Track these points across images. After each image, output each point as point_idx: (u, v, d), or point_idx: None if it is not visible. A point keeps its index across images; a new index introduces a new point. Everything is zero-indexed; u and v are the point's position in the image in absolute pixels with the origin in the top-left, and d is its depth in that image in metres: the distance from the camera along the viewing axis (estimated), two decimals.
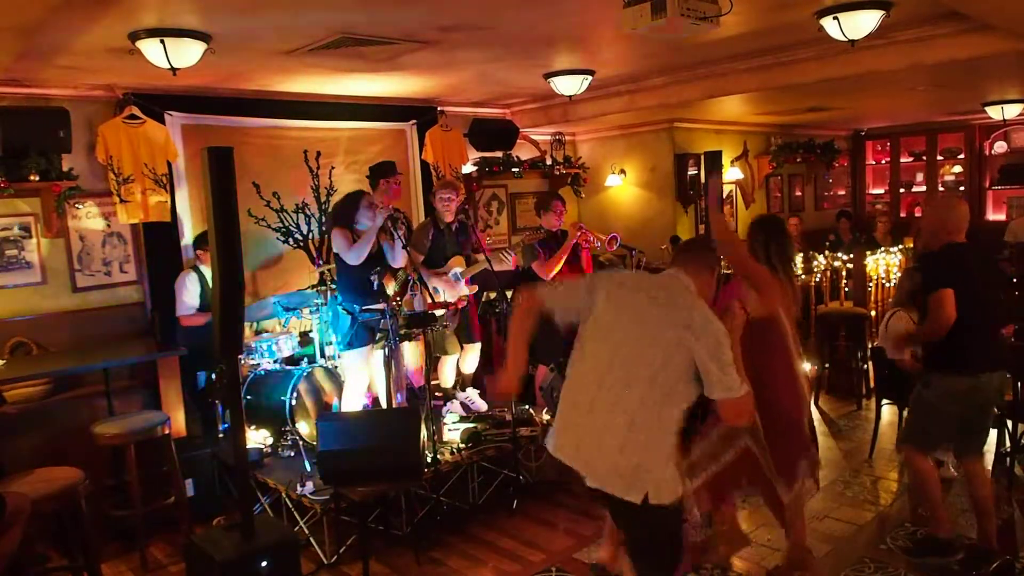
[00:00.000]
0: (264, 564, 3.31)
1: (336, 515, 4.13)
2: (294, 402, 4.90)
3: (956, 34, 4.91)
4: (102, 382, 4.77)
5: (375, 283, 4.81)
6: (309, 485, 4.24)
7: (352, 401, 4.87)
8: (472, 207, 7.54)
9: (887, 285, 7.36)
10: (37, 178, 4.89)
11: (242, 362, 4.99)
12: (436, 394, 5.38)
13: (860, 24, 4.42)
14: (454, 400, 5.47)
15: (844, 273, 7.56)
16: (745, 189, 9.74)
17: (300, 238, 6.38)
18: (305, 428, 4.90)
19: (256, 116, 6.13)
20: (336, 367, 5.20)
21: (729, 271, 4.07)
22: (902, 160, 11.41)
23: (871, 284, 7.32)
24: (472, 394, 5.59)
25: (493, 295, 5.99)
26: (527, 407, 5.36)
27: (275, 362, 5.20)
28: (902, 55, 5.22)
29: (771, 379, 3.30)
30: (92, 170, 5.33)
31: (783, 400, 3.36)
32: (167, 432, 4.37)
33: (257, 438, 4.91)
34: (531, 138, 8.34)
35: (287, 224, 6.30)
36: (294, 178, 6.37)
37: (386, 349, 4.65)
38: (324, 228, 6.36)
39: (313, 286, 5.51)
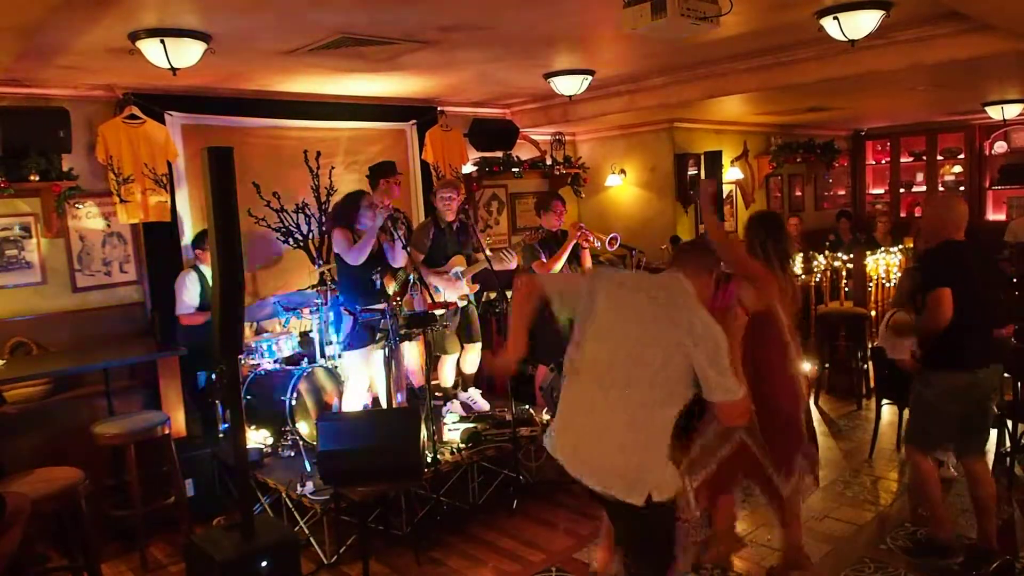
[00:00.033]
0: (264, 564, 3.31)
1: (336, 515, 4.13)
2: (294, 402, 4.90)
3: (956, 34, 4.91)
4: (102, 382, 4.77)
5: (377, 283, 4.80)
6: (309, 485, 4.24)
7: (353, 401, 4.88)
8: (472, 207, 7.54)
9: (887, 285, 7.36)
10: (37, 178, 4.89)
11: (242, 362, 4.99)
12: (436, 394, 5.38)
13: (860, 24, 4.42)
14: (454, 400, 5.47)
15: (844, 273, 7.56)
16: (745, 189, 9.75)
17: (300, 238, 6.38)
18: (305, 428, 4.89)
19: (256, 116, 6.13)
20: (336, 367, 5.20)
21: (729, 272, 4.06)
22: (902, 160, 11.41)
23: (871, 284, 7.32)
24: (474, 394, 5.59)
25: (493, 295, 5.99)
26: (527, 407, 5.36)
27: (275, 362, 5.21)
28: (902, 55, 5.22)
29: (768, 373, 3.30)
30: (92, 170, 5.33)
31: (780, 395, 3.37)
32: (167, 432, 4.37)
33: (257, 438, 4.92)
34: (531, 138, 8.34)
35: (287, 224, 6.30)
36: (294, 178, 6.38)
37: (386, 349, 4.65)
38: (324, 228, 6.36)
39: (313, 286, 5.51)
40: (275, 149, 6.31)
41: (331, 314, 5.28)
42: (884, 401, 5.32)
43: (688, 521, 3.48)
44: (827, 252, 7.92)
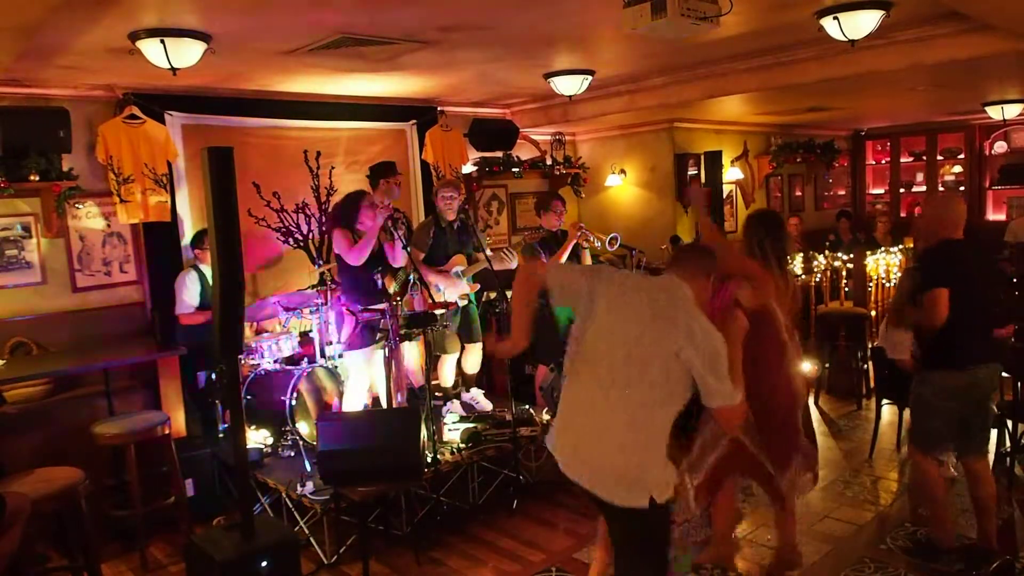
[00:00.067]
0: (264, 564, 3.31)
1: (336, 515, 4.13)
2: (294, 402, 4.90)
3: (956, 34, 4.91)
4: (102, 382, 4.77)
5: (379, 283, 4.80)
6: (309, 485, 4.24)
7: (354, 401, 4.88)
8: (472, 207, 7.54)
9: (887, 285, 7.36)
10: (37, 178, 4.89)
11: (242, 362, 4.99)
12: (436, 394, 5.38)
13: (860, 24, 4.43)
14: (454, 400, 5.47)
15: (844, 273, 7.56)
16: (745, 189, 9.74)
17: (300, 238, 6.38)
18: (305, 428, 4.89)
19: (256, 116, 6.14)
20: (336, 367, 5.20)
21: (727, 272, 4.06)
22: (902, 160, 11.41)
23: (871, 284, 7.31)
24: (476, 394, 5.60)
25: (493, 295, 5.99)
26: (527, 407, 5.36)
27: (275, 362, 5.21)
28: (902, 55, 5.23)
29: (765, 372, 3.30)
30: (92, 170, 5.33)
31: (777, 394, 3.36)
32: (167, 432, 4.37)
33: (257, 438, 4.92)
34: (531, 138, 8.34)
35: (287, 224, 6.30)
36: (294, 178, 6.37)
37: (386, 349, 4.65)
38: (324, 228, 6.36)
39: (313, 286, 5.51)
40: (275, 149, 6.31)
41: (331, 314, 5.28)
42: (884, 401, 5.32)
43: (688, 521, 3.49)
44: (827, 252, 7.91)
